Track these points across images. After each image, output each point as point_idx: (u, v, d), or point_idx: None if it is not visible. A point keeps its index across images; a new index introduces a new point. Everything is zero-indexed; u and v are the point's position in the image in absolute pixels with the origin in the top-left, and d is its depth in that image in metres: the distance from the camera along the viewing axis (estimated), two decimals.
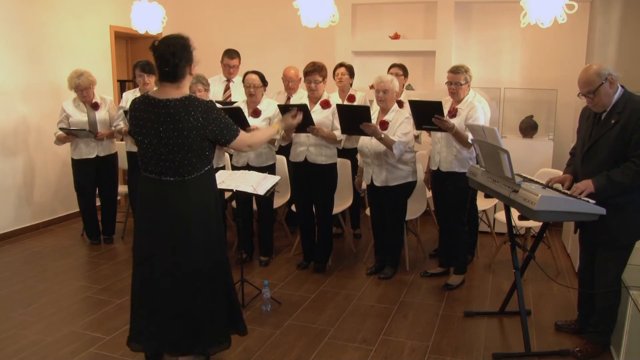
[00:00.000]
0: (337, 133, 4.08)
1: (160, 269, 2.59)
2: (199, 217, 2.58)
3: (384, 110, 4.02)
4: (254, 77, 4.22)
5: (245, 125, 4.05)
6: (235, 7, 6.74)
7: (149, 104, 2.51)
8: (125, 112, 4.43)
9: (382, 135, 3.81)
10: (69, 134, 4.69)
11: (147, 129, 2.51)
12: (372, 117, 3.88)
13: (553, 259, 4.51)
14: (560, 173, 3.29)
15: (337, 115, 4.05)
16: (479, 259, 4.70)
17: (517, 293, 3.19)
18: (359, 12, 6.18)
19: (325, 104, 4.13)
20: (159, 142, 2.49)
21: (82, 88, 4.64)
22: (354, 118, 3.78)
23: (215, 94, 5.16)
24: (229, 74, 5.20)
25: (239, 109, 3.99)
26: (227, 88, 5.23)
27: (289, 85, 4.88)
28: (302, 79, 4.28)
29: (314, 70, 4.07)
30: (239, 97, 4.71)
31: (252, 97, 4.23)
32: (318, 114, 4.08)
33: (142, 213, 2.65)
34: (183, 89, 2.54)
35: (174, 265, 2.58)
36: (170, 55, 2.47)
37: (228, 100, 5.11)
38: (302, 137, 4.13)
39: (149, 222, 2.60)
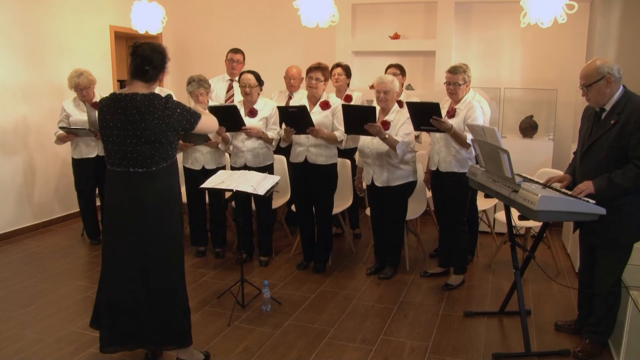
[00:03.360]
0: (338, 134, 4.08)
1: (125, 261, 2.68)
2: (162, 208, 2.68)
3: (385, 111, 4.02)
4: (250, 76, 4.22)
5: (240, 124, 4.06)
6: (235, 7, 6.75)
7: (115, 99, 2.63)
8: None
9: (386, 136, 3.80)
10: (70, 133, 4.69)
11: (115, 122, 2.61)
12: None
13: (553, 259, 4.51)
14: (561, 173, 3.30)
15: (337, 115, 4.04)
16: (479, 259, 4.70)
17: (517, 293, 3.19)
18: (359, 12, 6.18)
19: (325, 105, 4.13)
20: (127, 134, 2.59)
21: (82, 87, 4.64)
22: (358, 118, 3.78)
23: (217, 93, 5.16)
24: (232, 69, 5.19)
25: (234, 107, 4.00)
26: (230, 87, 5.22)
27: (291, 83, 4.88)
28: (304, 78, 4.28)
29: (317, 68, 4.08)
30: (239, 98, 4.71)
31: (248, 97, 4.23)
32: (317, 115, 4.08)
33: (109, 206, 2.74)
34: (151, 89, 2.67)
35: (136, 257, 2.67)
36: (157, 55, 2.65)
37: (231, 100, 5.10)
38: (302, 137, 4.13)
39: (115, 215, 2.70)
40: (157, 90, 2.86)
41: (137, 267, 2.68)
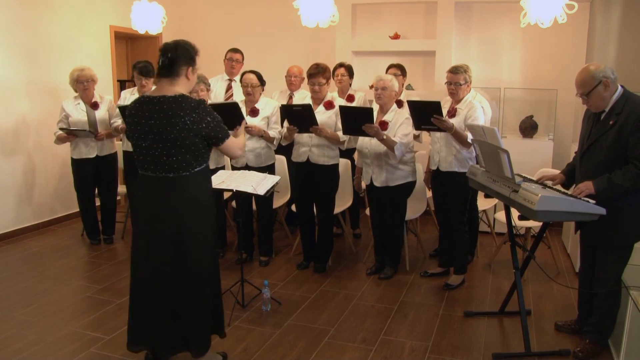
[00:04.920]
0: (341, 134, 4.08)
1: (154, 267, 2.62)
2: (193, 214, 2.61)
3: (383, 110, 4.02)
4: (252, 76, 4.23)
5: (241, 120, 4.04)
6: (235, 7, 6.75)
7: (144, 102, 2.57)
8: (120, 107, 4.48)
9: (384, 137, 3.80)
10: (70, 134, 4.69)
11: (142, 126, 2.55)
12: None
13: (553, 259, 4.51)
14: (557, 172, 3.31)
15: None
16: (479, 259, 4.70)
17: (517, 293, 3.19)
18: (359, 12, 6.18)
19: (329, 105, 4.13)
20: (154, 138, 2.53)
21: (83, 80, 4.65)
22: (356, 119, 3.78)
23: (217, 93, 5.16)
24: (231, 68, 5.18)
25: (235, 104, 3.99)
26: (230, 87, 5.22)
27: (291, 81, 4.88)
28: (306, 79, 4.29)
29: (318, 73, 4.07)
30: (241, 97, 4.72)
31: (250, 97, 4.23)
32: (321, 115, 4.08)
33: (138, 211, 2.71)
34: (177, 88, 2.57)
35: (167, 263, 2.61)
36: (171, 49, 2.57)
37: (230, 99, 5.10)
38: (305, 137, 4.13)
39: (145, 220, 2.64)
40: None
41: (161, 272, 2.61)
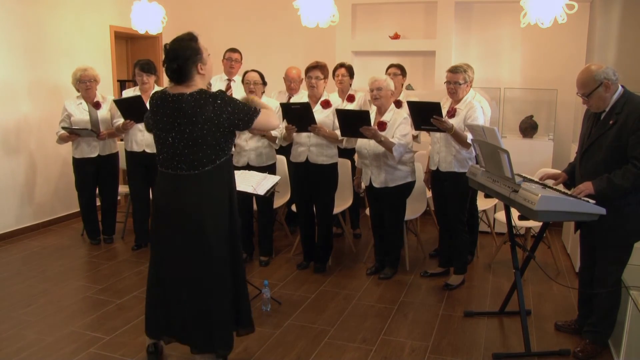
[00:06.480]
0: (339, 132, 4.08)
1: (174, 263, 2.63)
2: (212, 210, 2.60)
3: (381, 110, 4.02)
4: (254, 74, 4.24)
5: None
6: (235, 7, 6.75)
7: (164, 99, 2.56)
8: (115, 100, 4.54)
9: (382, 139, 3.80)
10: (72, 134, 4.69)
11: (164, 123, 2.55)
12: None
13: (553, 259, 4.51)
14: (559, 171, 3.31)
15: None
16: (479, 259, 4.70)
17: (517, 293, 3.19)
18: (359, 12, 6.18)
19: (326, 104, 4.14)
20: (175, 136, 2.52)
21: (86, 79, 4.67)
22: (353, 122, 3.78)
23: None
24: (230, 68, 5.19)
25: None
26: (229, 87, 5.23)
27: (291, 86, 4.88)
28: (304, 78, 4.29)
29: (316, 67, 4.08)
30: (239, 97, 4.72)
31: (252, 95, 4.23)
32: (319, 114, 4.07)
33: (157, 208, 2.70)
34: (194, 88, 2.56)
35: (186, 260, 2.61)
36: (171, 60, 2.52)
37: None
38: (303, 137, 4.13)
39: (164, 217, 2.64)
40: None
41: (178, 270, 2.62)
